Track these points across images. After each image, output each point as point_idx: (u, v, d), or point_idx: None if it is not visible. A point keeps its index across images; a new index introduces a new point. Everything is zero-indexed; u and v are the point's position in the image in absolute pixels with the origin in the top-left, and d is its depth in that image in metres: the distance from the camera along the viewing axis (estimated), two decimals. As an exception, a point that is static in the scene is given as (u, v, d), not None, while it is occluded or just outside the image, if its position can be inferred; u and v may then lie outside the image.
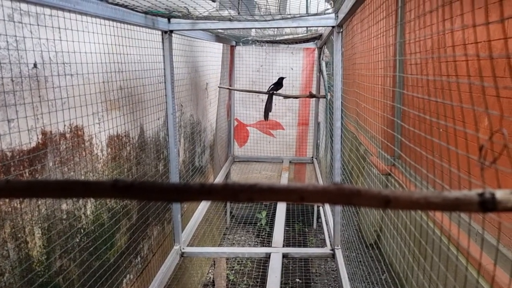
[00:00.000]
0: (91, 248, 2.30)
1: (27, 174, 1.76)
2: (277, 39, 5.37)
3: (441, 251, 1.77)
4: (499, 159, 0.64)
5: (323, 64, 5.43)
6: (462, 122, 1.11)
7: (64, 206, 2.06)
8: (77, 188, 0.61)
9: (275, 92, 4.98)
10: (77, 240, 2.17)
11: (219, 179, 5.52)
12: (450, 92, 1.11)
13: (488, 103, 0.95)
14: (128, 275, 2.83)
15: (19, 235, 1.72)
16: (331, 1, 3.27)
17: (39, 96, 1.82)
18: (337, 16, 2.72)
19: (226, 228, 6.38)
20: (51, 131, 1.92)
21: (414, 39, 1.82)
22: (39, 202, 1.85)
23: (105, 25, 2.31)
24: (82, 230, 2.22)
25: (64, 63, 2.00)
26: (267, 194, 0.57)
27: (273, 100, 5.84)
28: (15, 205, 1.70)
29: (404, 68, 2.91)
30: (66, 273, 2.06)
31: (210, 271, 5.26)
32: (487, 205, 0.54)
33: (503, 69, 1.85)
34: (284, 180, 5.43)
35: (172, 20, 2.92)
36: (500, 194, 0.54)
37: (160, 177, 3.55)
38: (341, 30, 2.83)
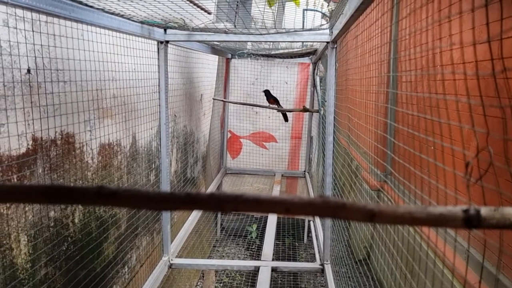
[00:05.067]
0: (78, 257, 2.26)
1: (15, 179, 1.74)
2: (272, 53, 5.41)
3: (428, 268, 1.77)
4: (484, 176, 0.65)
5: (317, 79, 5.48)
6: (450, 139, 1.12)
7: (52, 213, 2.04)
8: (61, 193, 0.60)
9: (270, 106, 5.03)
10: (64, 248, 2.14)
11: (210, 191, 5.49)
12: (438, 110, 1.12)
13: (477, 122, 0.96)
14: (114, 286, 2.79)
15: (4, 242, 1.70)
16: (327, 17, 3.31)
17: (31, 102, 1.81)
18: (332, 32, 2.75)
19: (216, 240, 6.33)
20: (41, 137, 1.91)
21: (407, 56, 1.84)
22: (27, 209, 1.83)
23: (100, 33, 2.32)
24: (69, 238, 2.19)
25: (57, 70, 2.00)
26: (252, 205, 0.57)
27: (269, 113, 5.95)
28: (1, 211, 1.68)
29: (397, 86, 2.94)
30: (51, 281, 2.02)
31: (198, 283, 5.20)
32: (471, 221, 0.54)
33: (493, 90, 1.87)
34: (275, 193, 5.41)
35: (168, 30, 2.94)
36: (485, 210, 0.54)
37: (151, 187, 3.52)
38: (335, 46, 2.86)
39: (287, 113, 5.40)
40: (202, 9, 2.40)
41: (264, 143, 6.21)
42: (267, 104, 5.07)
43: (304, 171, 6.21)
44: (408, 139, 1.73)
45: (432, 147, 1.24)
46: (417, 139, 1.36)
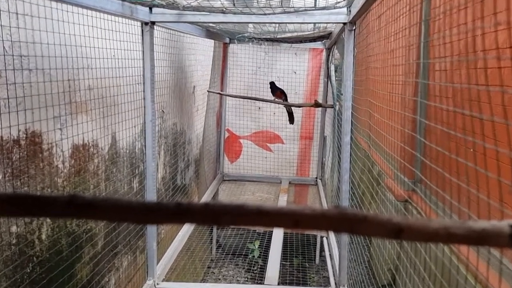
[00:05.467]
0: (45, 281, 2.26)
1: (-30, 187, 1.74)
2: (278, 37, 5.41)
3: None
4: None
5: (332, 68, 5.47)
6: (494, 140, 1.12)
7: (14, 228, 2.04)
8: (26, 203, 0.59)
9: (276, 99, 5.03)
10: (28, 271, 2.14)
11: (204, 201, 5.50)
12: (479, 104, 1.12)
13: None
14: (89, 315, 2.79)
15: (-42, 262, 1.70)
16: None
17: (-10, 94, 1.81)
18: (350, 11, 2.74)
19: (211, 260, 6.33)
20: (1, 137, 1.91)
21: (441, 40, 1.84)
22: (-16, 222, 1.83)
23: (73, 12, 2.32)
24: (34, 258, 2.19)
25: (21, 56, 2.00)
26: (255, 218, 0.56)
27: (274, 109, 5.95)
28: (-46, 224, 1.68)
29: (429, 76, 2.94)
30: (12, 309, 2.02)
31: (189, 312, 5.20)
32: (521, 239, 0.53)
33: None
34: (282, 204, 5.41)
35: (155, 9, 2.94)
36: (537, 226, 0.53)
37: (134, 195, 3.53)
38: (354, 28, 2.86)
39: (293, 112, 5.40)
40: (194, -17, 2.40)
41: (268, 145, 6.21)
42: (272, 97, 5.07)
43: (316, 177, 6.21)
44: (442, 140, 1.72)
45: (472, 149, 1.23)
46: (453, 139, 1.35)
